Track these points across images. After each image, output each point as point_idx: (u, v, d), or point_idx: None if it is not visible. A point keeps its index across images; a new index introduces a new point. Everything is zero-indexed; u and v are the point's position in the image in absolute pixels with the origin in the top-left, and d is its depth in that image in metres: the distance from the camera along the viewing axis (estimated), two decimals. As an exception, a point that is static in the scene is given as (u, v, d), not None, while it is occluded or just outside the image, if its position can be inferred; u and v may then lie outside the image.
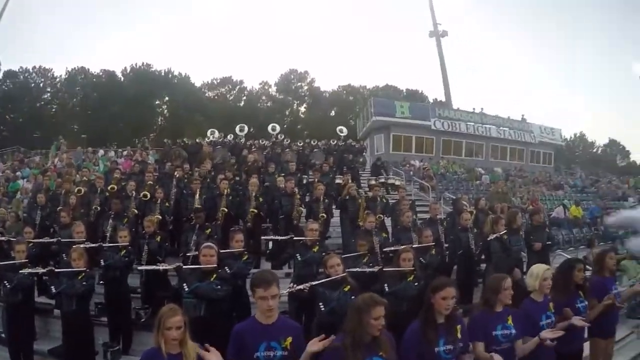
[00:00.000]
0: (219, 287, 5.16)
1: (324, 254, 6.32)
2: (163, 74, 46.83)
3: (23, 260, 6.20)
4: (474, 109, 31.54)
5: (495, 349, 3.87)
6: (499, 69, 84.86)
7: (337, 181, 12.25)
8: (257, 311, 3.45)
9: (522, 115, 33.02)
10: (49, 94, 45.72)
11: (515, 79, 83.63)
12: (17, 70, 44.10)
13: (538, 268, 4.53)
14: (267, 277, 3.49)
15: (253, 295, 3.41)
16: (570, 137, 52.91)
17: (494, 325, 3.92)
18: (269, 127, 20.67)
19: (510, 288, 4.02)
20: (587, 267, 6.07)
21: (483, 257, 8.04)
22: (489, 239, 7.61)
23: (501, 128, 30.62)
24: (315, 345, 3.26)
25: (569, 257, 7.29)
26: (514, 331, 3.98)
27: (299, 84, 51.49)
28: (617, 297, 5.27)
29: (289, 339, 3.36)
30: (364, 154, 20.57)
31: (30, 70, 44.76)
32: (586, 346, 5.20)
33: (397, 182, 15.82)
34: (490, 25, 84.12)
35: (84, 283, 5.71)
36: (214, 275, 5.22)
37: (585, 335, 5.11)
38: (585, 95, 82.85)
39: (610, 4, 79.80)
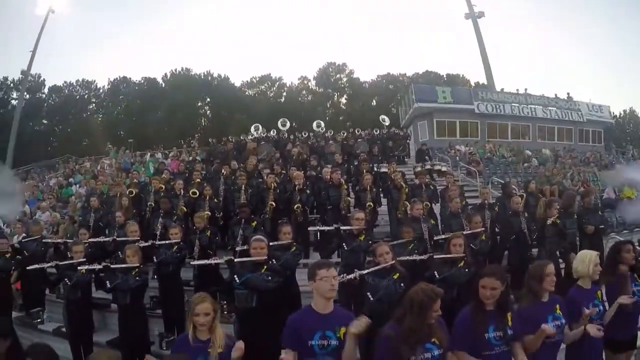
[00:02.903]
0: (270, 278, 5.20)
1: (371, 242, 6.31)
2: (202, 76, 47.54)
3: (81, 260, 6.48)
4: (517, 89, 30.72)
5: (548, 340, 3.72)
6: (541, 47, 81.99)
7: (383, 169, 12.17)
8: (314, 299, 3.45)
9: (568, 94, 31.76)
10: (93, 105, 47.37)
11: (559, 56, 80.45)
12: (62, 85, 46.06)
13: (588, 254, 4.39)
14: (327, 260, 3.56)
15: (313, 281, 3.40)
16: (620, 114, 50.45)
17: (545, 316, 3.77)
18: (314, 125, 20.71)
19: (553, 274, 3.87)
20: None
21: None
22: (548, 222, 7.39)
23: (547, 108, 29.53)
24: (355, 326, 3.24)
25: (622, 239, 6.99)
26: (564, 320, 3.86)
27: (338, 75, 51.20)
28: None
29: (343, 329, 3.35)
30: (408, 141, 20.39)
31: (74, 84, 46.55)
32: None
33: (444, 168, 15.58)
34: (527, 1, 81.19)
35: (137, 278, 5.93)
36: (265, 267, 5.26)
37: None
38: (633, 68, 78.77)
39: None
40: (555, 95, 30.94)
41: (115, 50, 72.81)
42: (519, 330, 3.63)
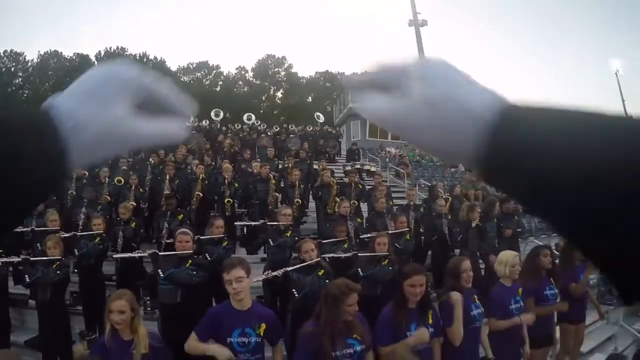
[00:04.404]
0: (195, 272, 5.15)
1: (297, 238, 6.38)
2: (138, 58, 46.12)
3: (-4, 251, 6.06)
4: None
5: (471, 327, 4.02)
6: (479, 59, 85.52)
7: (314, 167, 12.26)
8: (231, 297, 3.49)
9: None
10: (20, 79, 44.83)
11: (495, 69, 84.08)
12: (-13, 54, 43.05)
13: (506, 255, 4.71)
14: (231, 261, 3.57)
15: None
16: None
17: (469, 304, 4.06)
18: (244, 117, 20.52)
19: (469, 270, 4.17)
20: (557, 252, 6.30)
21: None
22: (473, 226, 7.75)
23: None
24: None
25: (540, 244, 7.48)
26: (482, 310, 4.17)
27: (276, 69, 51.19)
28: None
29: (263, 326, 3.40)
30: (340, 140, 20.64)
31: (1, 55, 43.79)
32: (557, 330, 5.41)
33: (373, 169, 15.88)
34: (471, 15, 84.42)
35: (58, 272, 5.62)
36: (190, 262, 5.21)
37: (556, 319, 5.31)
38: (566, 86, 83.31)
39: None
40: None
41: (49, 20, 68.02)
42: (440, 325, 3.86)
